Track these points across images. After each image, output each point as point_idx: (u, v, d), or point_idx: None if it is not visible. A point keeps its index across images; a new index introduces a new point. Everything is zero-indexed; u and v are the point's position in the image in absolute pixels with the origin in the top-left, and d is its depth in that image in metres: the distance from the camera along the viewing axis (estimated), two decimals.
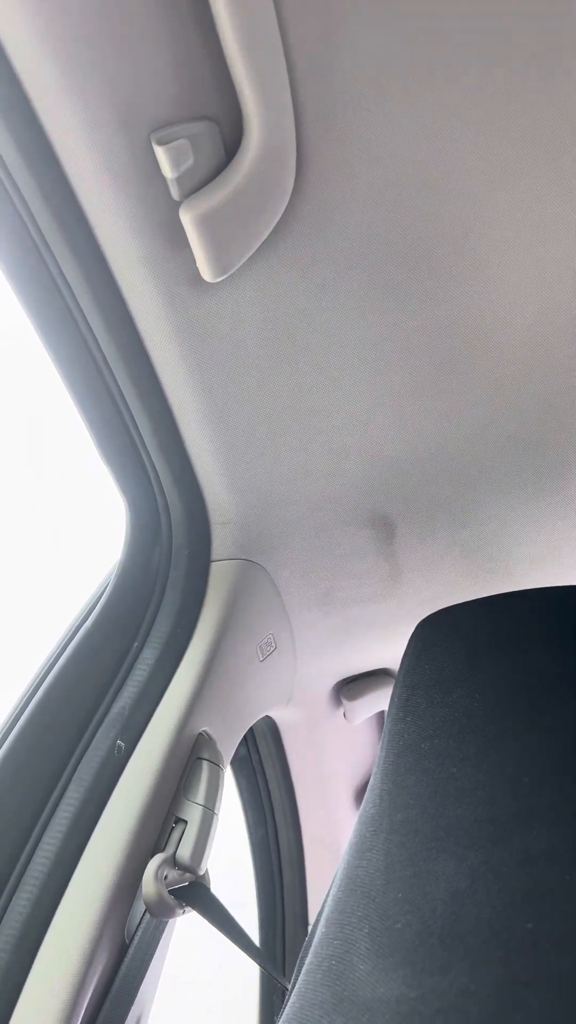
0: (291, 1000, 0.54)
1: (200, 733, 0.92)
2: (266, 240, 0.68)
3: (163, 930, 0.84)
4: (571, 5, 0.61)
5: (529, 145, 0.68)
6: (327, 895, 0.62)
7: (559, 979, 0.46)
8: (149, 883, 0.77)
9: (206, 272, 0.67)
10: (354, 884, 0.58)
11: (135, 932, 0.78)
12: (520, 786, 0.59)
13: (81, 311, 0.73)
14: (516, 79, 0.64)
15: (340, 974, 0.52)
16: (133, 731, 0.87)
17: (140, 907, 0.79)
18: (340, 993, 0.50)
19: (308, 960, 0.56)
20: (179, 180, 0.61)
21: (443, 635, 0.78)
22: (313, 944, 0.57)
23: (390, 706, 0.75)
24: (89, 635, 0.89)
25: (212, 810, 0.86)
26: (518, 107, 0.66)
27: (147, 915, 0.79)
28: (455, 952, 0.49)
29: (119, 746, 0.84)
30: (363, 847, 0.61)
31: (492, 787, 0.60)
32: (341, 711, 1.56)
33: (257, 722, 1.26)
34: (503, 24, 0.61)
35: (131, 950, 0.77)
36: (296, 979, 0.58)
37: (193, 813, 0.85)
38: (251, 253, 0.68)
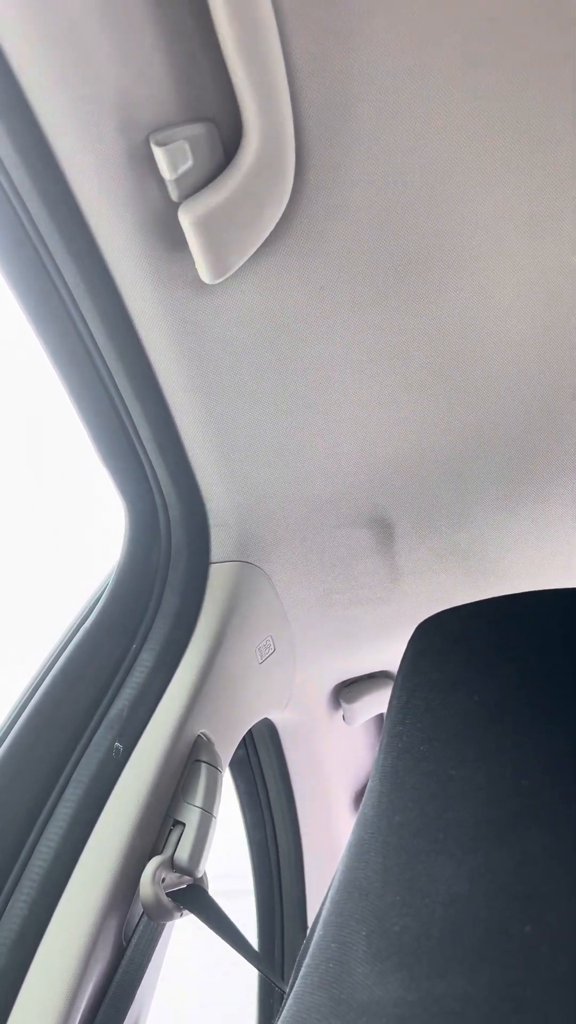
0: (288, 1003, 0.54)
1: (198, 735, 0.92)
2: (265, 242, 0.68)
3: (161, 933, 0.83)
4: (567, 10, 0.61)
5: (527, 147, 0.68)
6: (325, 897, 0.62)
7: (558, 981, 0.46)
8: (147, 885, 0.77)
9: (205, 274, 0.67)
10: (352, 886, 0.58)
11: (133, 934, 0.77)
12: (519, 788, 0.59)
13: (80, 313, 0.73)
14: (515, 83, 0.64)
15: (338, 977, 0.52)
16: (131, 733, 0.86)
17: (138, 909, 0.79)
18: (337, 996, 0.50)
19: (306, 963, 0.56)
20: (178, 181, 0.61)
21: (442, 637, 0.78)
22: (311, 947, 0.57)
23: (389, 708, 0.74)
24: (88, 636, 0.89)
25: (210, 813, 0.86)
26: (517, 110, 0.66)
27: (145, 917, 0.79)
28: (453, 955, 0.49)
29: (117, 748, 0.84)
30: (361, 849, 0.61)
31: (491, 789, 0.59)
32: (340, 713, 1.56)
33: (256, 724, 1.25)
34: (503, 28, 0.61)
35: (129, 952, 0.76)
36: (294, 982, 0.58)
37: (191, 816, 0.85)
38: (250, 255, 0.68)
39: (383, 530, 1.11)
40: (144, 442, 0.86)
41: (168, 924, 0.85)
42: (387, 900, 0.55)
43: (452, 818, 0.58)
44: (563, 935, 0.48)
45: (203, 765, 0.88)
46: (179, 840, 0.83)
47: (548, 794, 0.58)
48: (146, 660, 0.93)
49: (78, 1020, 0.68)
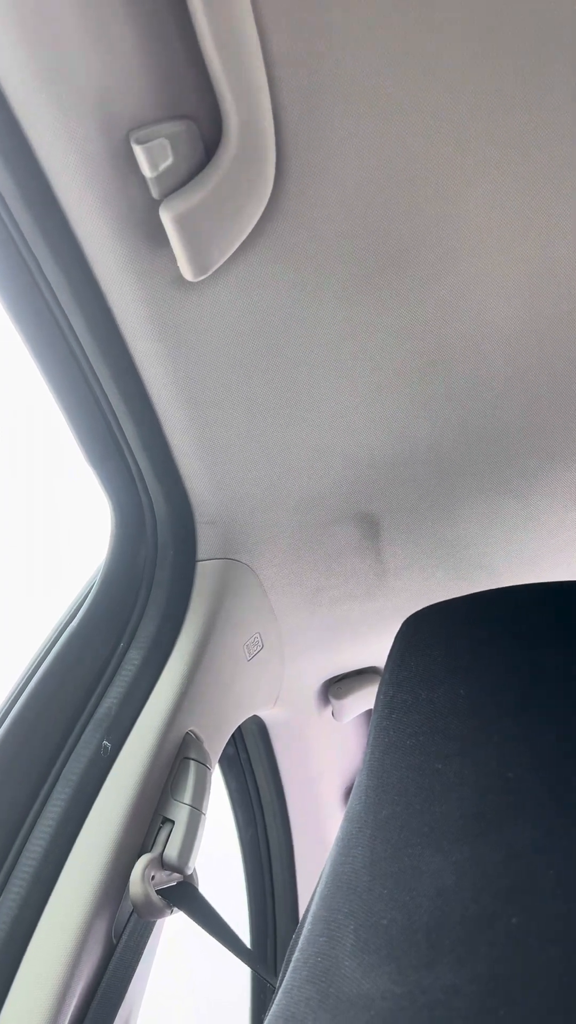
0: (278, 998, 0.54)
1: (187, 733, 0.92)
2: (246, 239, 0.68)
3: (151, 930, 0.84)
4: (555, 5, 0.61)
5: (509, 141, 0.69)
6: (314, 892, 0.62)
7: (545, 973, 0.46)
8: (136, 883, 0.77)
9: (187, 271, 0.67)
10: (340, 881, 0.58)
11: (123, 932, 0.78)
12: (505, 781, 0.59)
13: (62, 310, 0.73)
14: (497, 76, 0.64)
15: (326, 971, 0.52)
16: (119, 731, 0.87)
17: (128, 907, 0.79)
18: (326, 990, 0.51)
19: (295, 957, 0.56)
20: (158, 179, 0.61)
21: (429, 632, 0.78)
22: (299, 941, 0.57)
23: (376, 703, 0.75)
24: (75, 635, 0.89)
25: (199, 810, 0.86)
26: (499, 103, 0.66)
27: (135, 915, 0.79)
28: (440, 948, 0.49)
29: (105, 746, 0.84)
30: (349, 844, 0.61)
31: (477, 783, 0.60)
32: (329, 710, 1.56)
33: (246, 721, 1.26)
34: (485, 22, 0.61)
35: (119, 950, 0.76)
36: (283, 976, 0.58)
37: (180, 813, 0.85)
38: (231, 252, 0.68)
39: (369, 526, 1.11)
40: (129, 440, 0.86)
41: (158, 922, 0.85)
42: (374, 894, 0.55)
43: (438, 812, 0.58)
44: (550, 927, 0.49)
45: (192, 762, 0.89)
46: (168, 838, 0.83)
47: (534, 787, 0.58)
48: (134, 658, 0.93)
49: (68, 1018, 0.68)
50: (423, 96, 0.64)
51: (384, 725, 0.70)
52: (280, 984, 0.58)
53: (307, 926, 0.58)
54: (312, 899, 0.61)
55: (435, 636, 0.77)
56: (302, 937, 0.57)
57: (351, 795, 0.67)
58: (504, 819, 0.56)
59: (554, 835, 0.54)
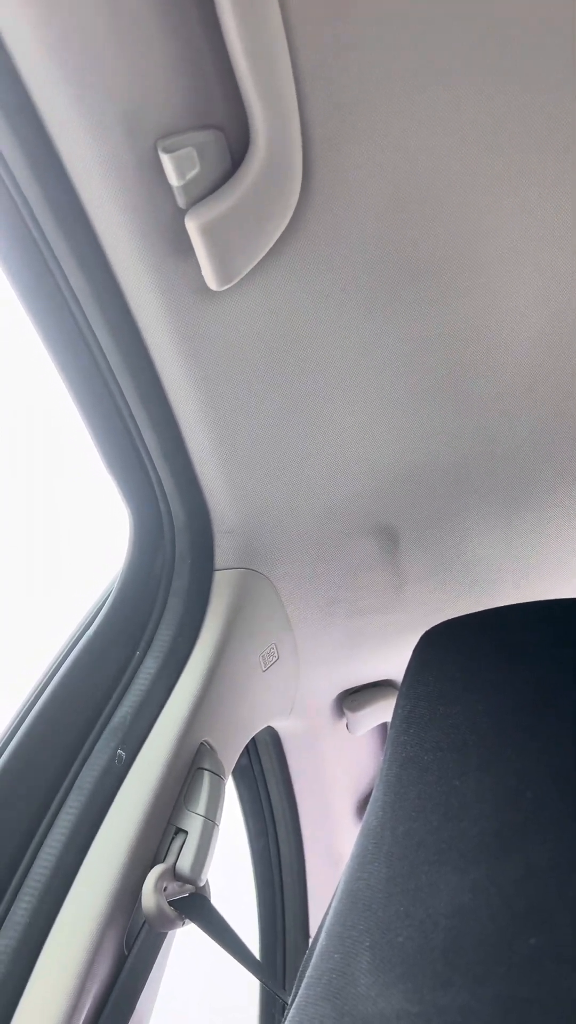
0: (291, 1014, 0.54)
1: (201, 743, 0.91)
2: (271, 249, 0.68)
3: (162, 941, 0.83)
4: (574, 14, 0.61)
5: (533, 154, 0.69)
6: (328, 907, 0.62)
7: (561, 995, 0.46)
8: (149, 894, 0.77)
9: (211, 280, 0.67)
10: (355, 897, 0.57)
11: (134, 943, 0.77)
12: (523, 799, 0.58)
13: (85, 318, 0.73)
14: (523, 90, 0.64)
15: (340, 988, 0.51)
16: (134, 741, 0.86)
17: (139, 918, 0.78)
18: (340, 1008, 0.50)
19: (308, 973, 0.55)
20: (185, 188, 0.61)
21: (447, 647, 0.78)
22: (314, 957, 0.57)
23: (393, 718, 0.74)
24: (91, 644, 0.89)
25: (213, 821, 0.86)
26: (523, 115, 0.66)
27: (146, 926, 0.79)
28: (457, 967, 0.49)
29: (120, 756, 0.84)
30: (365, 859, 0.60)
31: (495, 800, 0.59)
32: (344, 722, 1.55)
33: (259, 732, 1.25)
34: (509, 34, 0.61)
35: (130, 961, 0.76)
36: (296, 992, 0.57)
37: (194, 824, 0.84)
38: (256, 262, 0.68)
39: (388, 539, 1.11)
40: (149, 449, 0.86)
41: (169, 933, 0.85)
42: (390, 911, 0.54)
43: (456, 829, 0.58)
44: (568, 948, 0.48)
45: (206, 773, 0.88)
46: (181, 848, 0.83)
47: (553, 805, 0.57)
48: (149, 667, 0.93)
49: None
50: (450, 110, 0.64)
51: (402, 740, 0.69)
52: (293, 999, 0.57)
53: (321, 942, 0.57)
54: (326, 914, 0.61)
55: (453, 651, 0.77)
56: (316, 953, 0.57)
57: (367, 810, 0.67)
58: (522, 837, 0.56)
59: (572, 855, 0.54)
